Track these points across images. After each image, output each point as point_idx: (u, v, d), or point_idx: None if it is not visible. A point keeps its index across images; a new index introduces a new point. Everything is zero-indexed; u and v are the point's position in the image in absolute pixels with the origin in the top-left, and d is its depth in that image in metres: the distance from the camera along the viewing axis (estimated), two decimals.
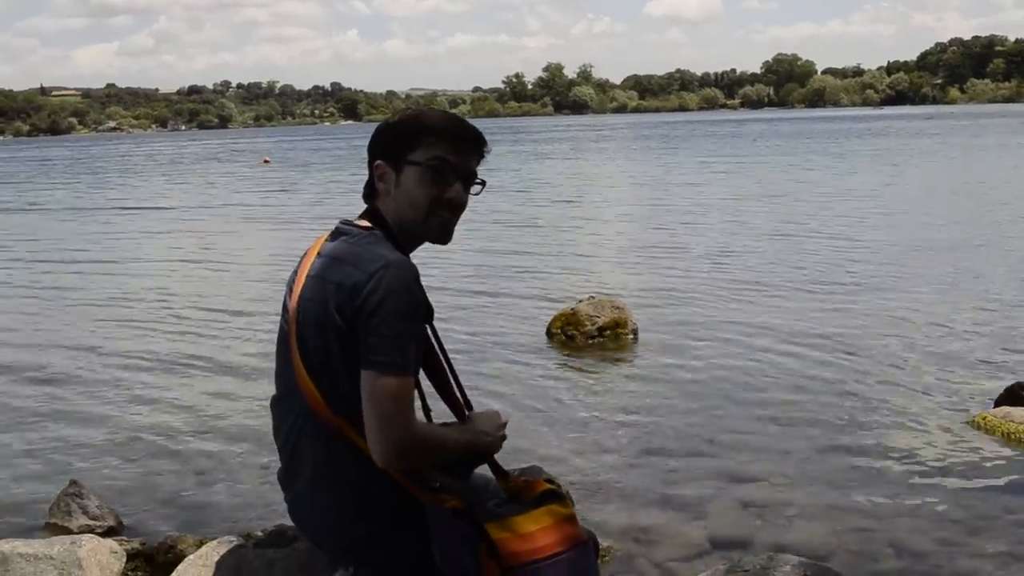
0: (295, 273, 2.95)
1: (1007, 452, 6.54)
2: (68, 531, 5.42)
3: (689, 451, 6.77)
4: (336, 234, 2.94)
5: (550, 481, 3.03)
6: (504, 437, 3.04)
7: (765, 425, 7.26)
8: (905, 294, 11.87)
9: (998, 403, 7.29)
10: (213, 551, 3.48)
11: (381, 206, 2.95)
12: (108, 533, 5.44)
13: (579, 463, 6.56)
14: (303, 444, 2.89)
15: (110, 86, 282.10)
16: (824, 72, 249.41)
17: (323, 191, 33.61)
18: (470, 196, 3.01)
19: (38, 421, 7.91)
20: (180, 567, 3.57)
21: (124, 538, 5.20)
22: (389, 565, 2.90)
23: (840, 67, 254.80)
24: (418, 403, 2.89)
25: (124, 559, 4.78)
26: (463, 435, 2.93)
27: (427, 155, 2.90)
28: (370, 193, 2.99)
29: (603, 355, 9.53)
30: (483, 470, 3.06)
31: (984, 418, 7.03)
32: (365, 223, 2.93)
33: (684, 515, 5.70)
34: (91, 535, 4.91)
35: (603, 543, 4.72)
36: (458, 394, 3.09)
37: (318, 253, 2.92)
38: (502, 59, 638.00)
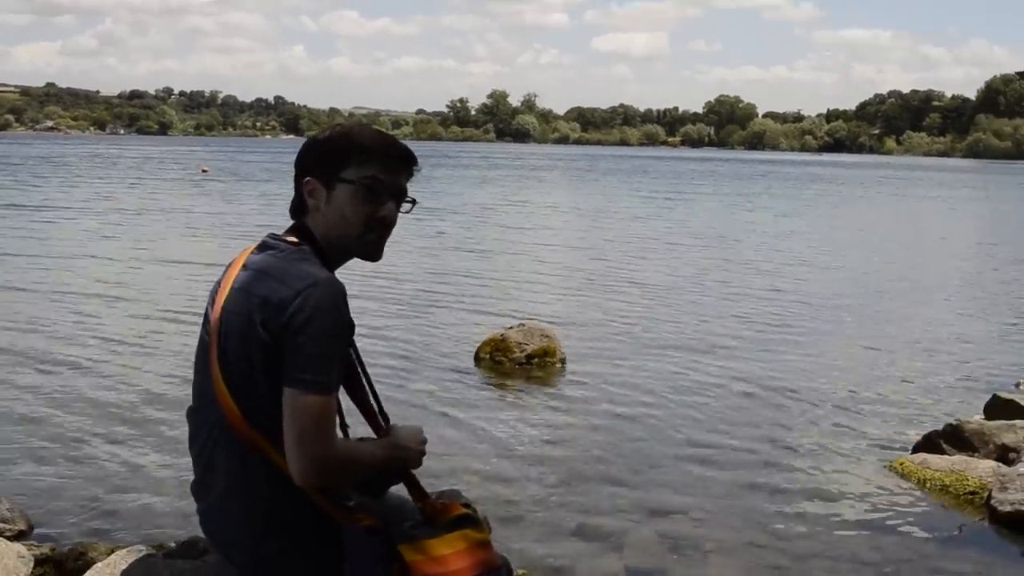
0: (218, 284, 2.92)
1: (922, 498, 6.62)
2: None
3: (610, 482, 6.79)
4: (263, 247, 2.91)
5: (467, 505, 3.02)
6: (423, 453, 3.02)
7: (687, 460, 7.30)
8: (834, 337, 12.04)
9: (915, 449, 7.39)
10: (122, 560, 3.43)
11: (310, 222, 2.93)
12: (17, 537, 5.32)
13: (498, 489, 6.55)
14: (218, 456, 2.85)
15: (49, 85, 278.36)
16: (765, 115, 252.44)
17: (262, 203, 33.37)
18: (401, 214, 3.01)
19: None
20: (87, 574, 3.51)
21: (33, 543, 5.10)
22: None
23: (781, 111, 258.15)
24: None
25: (32, 564, 4.69)
26: (381, 451, 2.92)
27: (359, 174, 2.89)
28: (297, 208, 2.96)
29: (530, 382, 9.53)
30: (399, 490, 3.04)
31: (902, 464, 7.12)
32: (293, 239, 2.91)
33: (601, 546, 5.71)
34: None
35: (518, 571, 4.72)
36: (377, 410, 3.08)
37: (243, 265, 2.89)
38: (447, 83, 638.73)
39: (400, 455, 2.94)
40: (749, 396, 9.09)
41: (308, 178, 2.91)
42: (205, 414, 2.88)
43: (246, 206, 32.12)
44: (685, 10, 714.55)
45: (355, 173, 2.89)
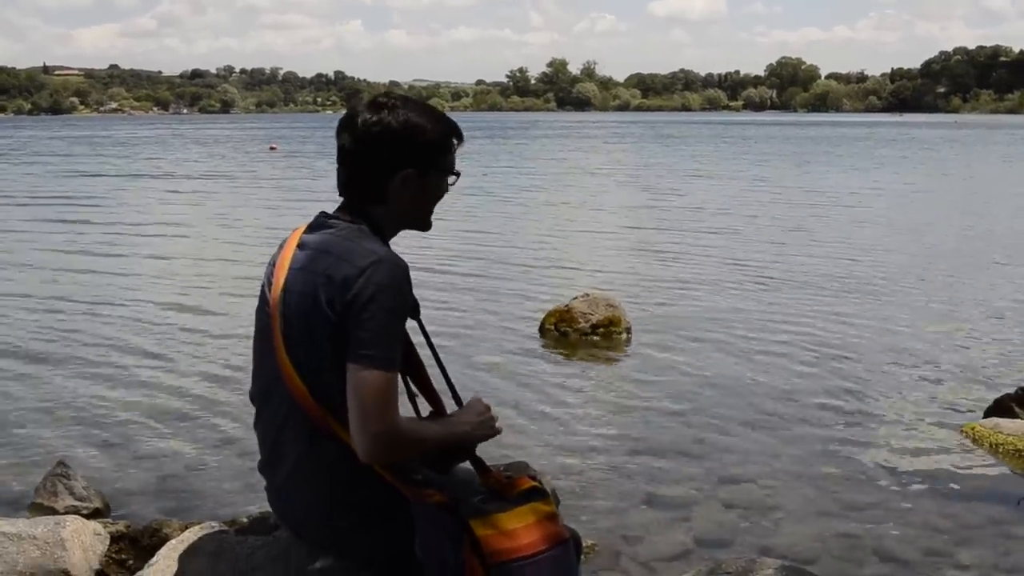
0: (273, 264, 2.93)
1: (994, 463, 6.54)
2: (54, 511, 5.41)
3: (677, 451, 6.77)
4: (318, 226, 2.91)
5: (533, 478, 3.02)
6: (487, 424, 3.00)
7: (755, 428, 7.26)
8: (905, 302, 11.85)
9: (988, 414, 7.29)
10: (195, 535, 3.47)
11: (386, 209, 2.92)
12: (94, 515, 5.42)
13: (566, 460, 6.55)
14: (285, 435, 2.88)
15: (113, 67, 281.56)
16: (828, 77, 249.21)
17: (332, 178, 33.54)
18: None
19: (27, 400, 7.88)
20: (161, 551, 3.56)
21: (109, 520, 5.18)
22: (369, 557, 2.89)
23: (844, 72, 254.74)
24: (404, 398, 2.89)
25: (108, 541, 4.77)
26: (443, 429, 2.93)
27: (450, 162, 2.99)
28: (367, 194, 2.92)
29: (595, 353, 9.52)
30: (466, 464, 3.05)
31: (973, 428, 7.03)
32: (348, 217, 2.91)
33: (669, 515, 5.70)
34: (76, 516, 4.90)
35: (587, 541, 4.72)
36: (447, 389, 3.10)
37: (299, 244, 2.90)
38: (504, 54, 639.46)
39: (457, 431, 2.95)
40: (817, 363, 9.01)
41: (409, 170, 2.89)
42: (269, 394, 2.91)
43: (320, 179, 32.17)
44: None
45: (449, 161, 2.98)
